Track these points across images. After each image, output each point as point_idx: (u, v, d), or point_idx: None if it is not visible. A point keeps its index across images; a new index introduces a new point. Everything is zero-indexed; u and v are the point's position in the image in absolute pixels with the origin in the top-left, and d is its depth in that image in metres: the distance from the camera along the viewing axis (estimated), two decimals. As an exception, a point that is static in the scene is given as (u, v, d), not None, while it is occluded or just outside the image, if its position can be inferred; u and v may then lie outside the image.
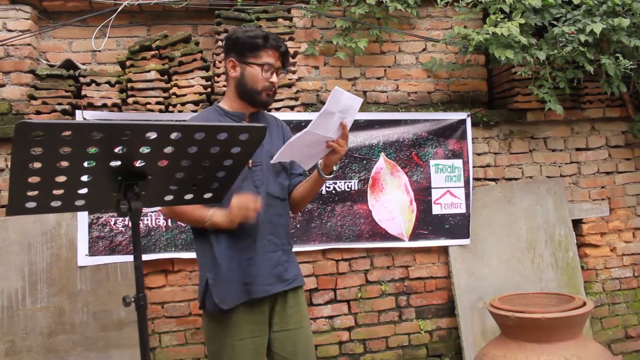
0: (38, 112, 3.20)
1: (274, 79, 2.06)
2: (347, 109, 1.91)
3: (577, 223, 3.95)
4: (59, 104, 3.22)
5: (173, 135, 1.50)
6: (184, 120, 2.42)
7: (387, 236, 3.63)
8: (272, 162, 1.97)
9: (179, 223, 3.22)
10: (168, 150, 1.53)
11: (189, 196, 1.78)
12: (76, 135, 1.38)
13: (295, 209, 2.27)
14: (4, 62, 3.36)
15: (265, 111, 2.26)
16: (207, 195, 1.81)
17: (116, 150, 1.46)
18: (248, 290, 2.01)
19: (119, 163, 1.50)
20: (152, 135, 1.46)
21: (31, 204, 1.52)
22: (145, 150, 1.50)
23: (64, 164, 1.44)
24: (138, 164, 1.53)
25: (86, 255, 3.14)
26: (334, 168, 2.06)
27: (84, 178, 1.51)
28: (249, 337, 2.03)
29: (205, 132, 1.54)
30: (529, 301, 3.02)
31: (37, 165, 1.41)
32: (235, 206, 1.93)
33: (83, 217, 3.17)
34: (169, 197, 1.75)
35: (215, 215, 1.98)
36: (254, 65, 2.04)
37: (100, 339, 3.13)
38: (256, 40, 2.03)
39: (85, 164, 1.47)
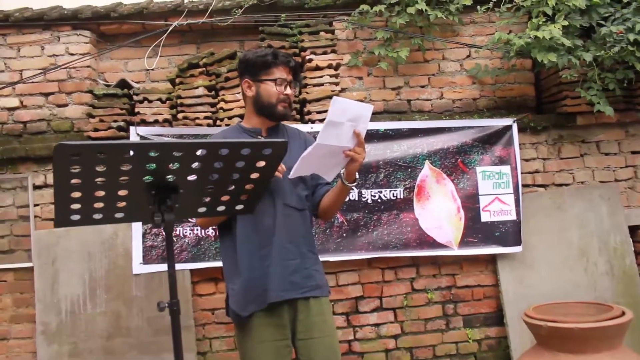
0: (96, 130, 3.43)
1: (288, 91, 2.17)
2: (357, 117, 1.94)
3: (634, 229, 3.78)
4: (115, 121, 3.43)
5: (199, 152, 1.60)
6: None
7: (435, 244, 3.61)
8: (290, 177, 2.02)
9: None
10: (195, 165, 1.63)
11: (221, 208, 1.87)
12: (109, 155, 1.50)
13: (325, 217, 2.34)
14: (67, 83, 3.63)
15: (287, 124, 2.34)
16: (239, 207, 1.90)
17: (147, 167, 1.57)
18: (265, 297, 2.09)
19: (151, 178, 1.62)
20: (178, 153, 1.56)
21: (75, 217, 1.66)
22: (174, 166, 1.61)
23: (101, 180, 1.57)
24: (169, 178, 1.64)
25: (140, 263, 3.32)
26: (356, 176, 2.11)
27: (121, 192, 1.64)
28: (270, 340, 2.10)
29: (229, 148, 1.63)
30: (568, 310, 2.93)
31: (77, 181, 1.54)
32: None
33: (137, 227, 3.35)
34: (202, 209, 1.85)
35: None
36: (267, 82, 2.14)
37: (154, 343, 3.29)
38: (266, 58, 2.14)
39: (121, 180, 1.59)
